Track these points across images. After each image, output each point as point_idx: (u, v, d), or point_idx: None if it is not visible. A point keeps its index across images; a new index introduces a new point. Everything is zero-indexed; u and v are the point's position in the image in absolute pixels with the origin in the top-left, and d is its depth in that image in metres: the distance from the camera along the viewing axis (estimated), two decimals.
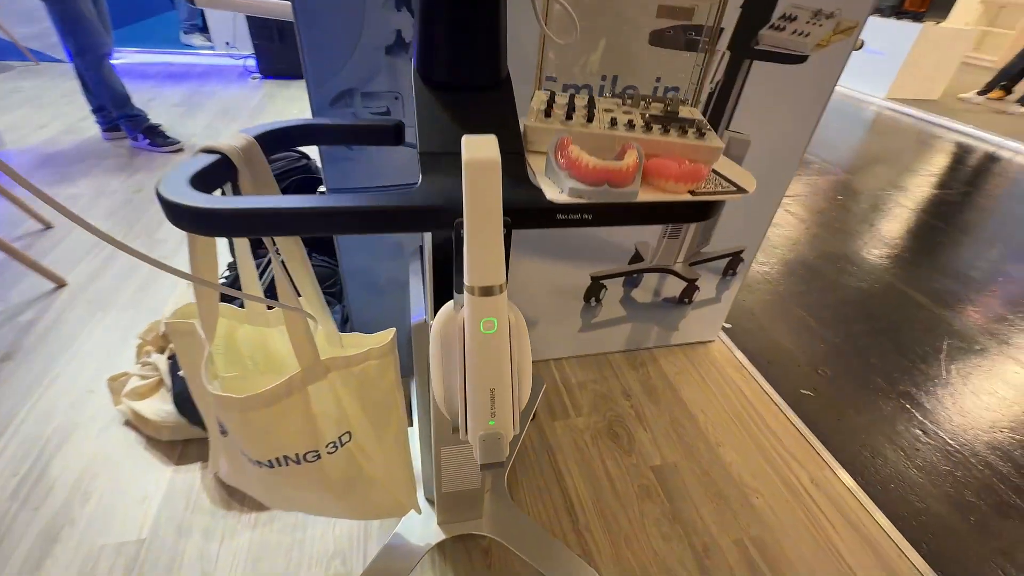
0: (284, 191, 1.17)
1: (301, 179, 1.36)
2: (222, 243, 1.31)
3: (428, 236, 0.45)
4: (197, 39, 3.84)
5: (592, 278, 1.15)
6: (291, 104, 3.00)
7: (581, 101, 0.46)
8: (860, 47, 0.99)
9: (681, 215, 0.38)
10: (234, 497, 0.92)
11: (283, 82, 3.37)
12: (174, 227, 0.39)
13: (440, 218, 0.35)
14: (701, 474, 1.06)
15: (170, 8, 4.45)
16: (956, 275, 1.92)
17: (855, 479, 1.08)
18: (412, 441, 0.91)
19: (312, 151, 1.31)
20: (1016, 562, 0.97)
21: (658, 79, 0.87)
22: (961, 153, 3.40)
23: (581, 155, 0.34)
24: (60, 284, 1.40)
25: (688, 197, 0.38)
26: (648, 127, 0.41)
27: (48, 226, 1.65)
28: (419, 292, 0.64)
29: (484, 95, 0.41)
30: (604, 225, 0.37)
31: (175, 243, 1.63)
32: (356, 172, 0.88)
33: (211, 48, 3.79)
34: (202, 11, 3.66)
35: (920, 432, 1.24)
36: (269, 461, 0.56)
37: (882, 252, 2.03)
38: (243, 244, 0.51)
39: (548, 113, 0.42)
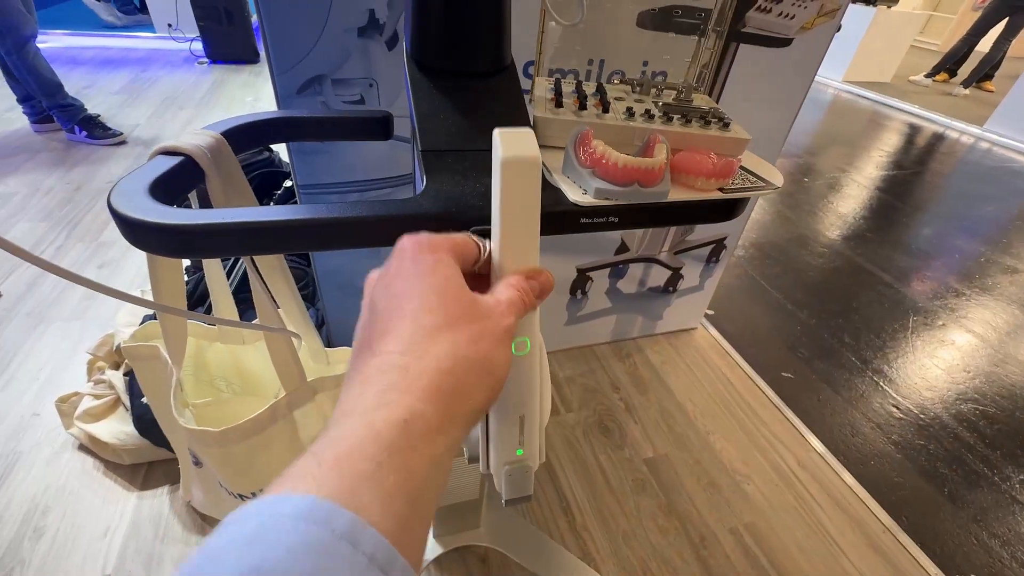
0: None
1: (263, 174, 1.27)
2: None
3: None
4: (106, 13, 3.59)
5: (578, 270, 1.12)
6: (245, 91, 2.82)
7: (589, 88, 0.41)
8: (838, 30, 0.98)
9: (711, 214, 0.35)
10: (209, 521, 0.85)
11: (234, 67, 3.16)
12: None
13: (452, 227, 0.30)
14: (693, 464, 1.06)
15: None
16: (915, 252, 2.00)
17: (838, 458, 1.11)
18: None
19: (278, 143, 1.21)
20: (989, 528, 1.01)
21: (645, 64, 0.84)
22: (912, 133, 3.55)
23: (608, 152, 0.30)
24: None
25: (718, 195, 0.34)
26: (668, 118, 0.38)
27: None
28: None
29: (487, 83, 0.36)
30: (631, 228, 0.34)
31: (124, 246, 1.49)
32: (328, 166, 0.81)
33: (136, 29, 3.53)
34: None
35: (894, 408, 1.28)
36: (253, 493, 0.50)
37: (847, 231, 2.09)
38: None
39: (559, 103, 0.38)
